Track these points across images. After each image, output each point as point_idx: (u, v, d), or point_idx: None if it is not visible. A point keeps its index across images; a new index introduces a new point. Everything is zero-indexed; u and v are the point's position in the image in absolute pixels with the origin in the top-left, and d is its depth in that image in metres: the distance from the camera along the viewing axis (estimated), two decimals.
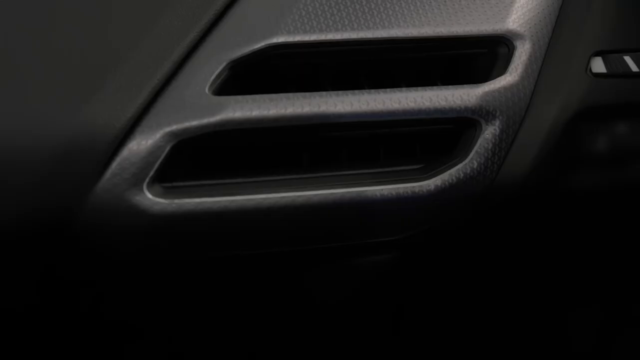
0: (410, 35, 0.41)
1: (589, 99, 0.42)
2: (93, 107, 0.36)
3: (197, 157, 0.38)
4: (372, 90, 0.39)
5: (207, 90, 0.37)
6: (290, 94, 0.38)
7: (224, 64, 0.38)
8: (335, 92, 0.39)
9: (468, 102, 0.40)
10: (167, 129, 0.36)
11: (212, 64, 0.38)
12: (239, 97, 0.38)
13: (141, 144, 0.36)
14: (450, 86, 0.40)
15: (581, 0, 0.44)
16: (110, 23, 0.38)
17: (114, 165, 0.35)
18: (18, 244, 0.36)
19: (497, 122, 0.40)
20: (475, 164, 0.40)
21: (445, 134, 0.41)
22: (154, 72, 0.37)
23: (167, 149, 0.36)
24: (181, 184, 0.37)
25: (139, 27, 0.38)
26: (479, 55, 0.42)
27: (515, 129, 0.41)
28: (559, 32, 0.43)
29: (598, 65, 0.43)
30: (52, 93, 0.36)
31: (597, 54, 0.43)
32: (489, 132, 0.40)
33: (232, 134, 0.37)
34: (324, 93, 0.39)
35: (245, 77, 0.40)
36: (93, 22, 0.38)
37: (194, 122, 0.36)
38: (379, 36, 0.40)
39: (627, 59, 0.43)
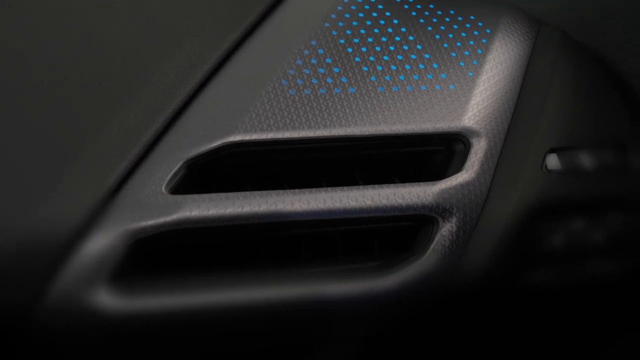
0: (367, 133, 0.45)
1: (545, 195, 0.46)
2: (47, 206, 0.39)
3: (155, 255, 0.42)
4: (329, 188, 0.43)
5: (163, 189, 0.41)
6: (247, 193, 0.42)
7: (181, 162, 0.42)
8: (292, 190, 0.43)
9: (425, 200, 0.44)
10: (123, 229, 0.40)
11: (168, 162, 0.42)
12: (196, 196, 0.41)
13: (97, 244, 0.39)
14: (407, 184, 0.44)
15: (536, 97, 0.49)
16: (65, 121, 0.42)
17: (69, 265, 0.39)
18: None
19: (454, 219, 0.44)
20: (433, 261, 0.44)
21: (403, 231, 0.45)
22: (110, 170, 0.41)
23: (124, 248, 0.39)
24: (139, 283, 0.40)
25: (94, 126, 0.42)
26: (435, 152, 0.47)
27: (472, 226, 0.45)
28: (514, 129, 0.47)
29: (553, 162, 0.47)
30: (4, 192, 0.39)
31: (552, 150, 0.47)
32: (446, 229, 0.44)
33: (188, 232, 0.41)
34: (280, 191, 0.43)
35: (203, 174, 0.43)
36: (47, 120, 0.42)
37: (150, 222, 0.40)
38: (336, 134, 0.45)
39: (582, 155, 0.48)
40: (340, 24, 0.50)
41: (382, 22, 0.51)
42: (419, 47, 0.50)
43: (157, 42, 0.47)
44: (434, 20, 0.52)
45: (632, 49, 0.52)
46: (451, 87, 0.48)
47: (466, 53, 0.50)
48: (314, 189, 0.43)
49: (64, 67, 0.45)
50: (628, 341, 0.54)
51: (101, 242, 0.39)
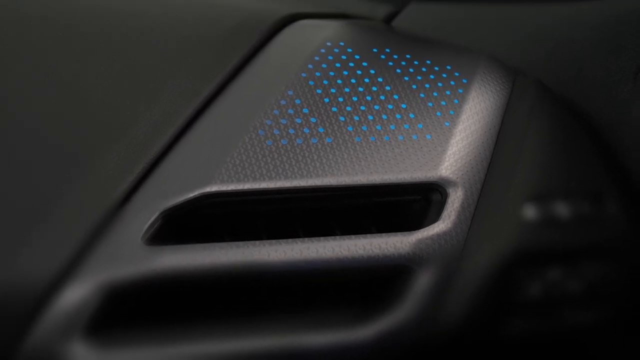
0: (344, 183, 0.47)
1: (522, 245, 0.47)
2: (21, 257, 0.40)
3: (133, 305, 0.43)
4: (306, 239, 0.45)
5: (140, 240, 0.42)
6: (224, 244, 0.43)
7: (157, 213, 0.43)
8: (269, 241, 0.44)
9: (402, 250, 0.45)
10: (99, 280, 0.40)
11: (145, 213, 0.43)
12: (172, 247, 0.42)
13: (72, 296, 0.40)
14: (384, 234, 0.46)
15: (512, 147, 0.51)
16: (40, 171, 0.43)
17: (44, 318, 0.39)
18: None
19: (431, 269, 0.46)
20: (410, 312, 0.45)
21: (380, 281, 0.46)
22: (86, 221, 0.42)
23: (99, 300, 0.40)
24: (116, 335, 0.41)
25: (70, 175, 0.43)
26: (412, 202, 0.49)
27: (449, 276, 0.46)
28: (491, 179, 0.49)
29: (530, 212, 0.48)
30: None
31: (528, 200, 0.49)
32: (423, 280, 0.45)
33: (165, 284, 0.42)
34: (257, 242, 0.44)
35: (180, 224, 0.45)
36: (23, 168, 0.43)
37: (126, 273, 0.41)
38: (313, 184, 0.46)
39: (558, 205, 0.49)
40: (317, 74, 0.52)
41: (359, 72, 0.53)
42: (395, 97, 0.52)
43: (134, 93, 0.49)
44: (411, 70, 0.54)
45: (606, 100, 0.54)
46: (428, 137, 0.50)
47: (443, 103, 0.52)
48: (290, 240, 0.44)
49: (35, 118, 0.46)
50: None
51: (76, 294, 0.40)
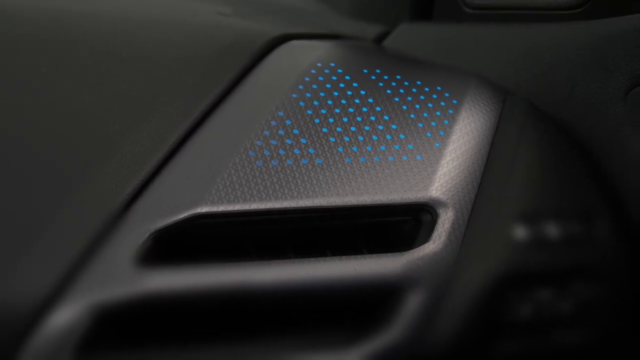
0: (334, 204, 0.47)
1: (513, 265, 0.48)
2: (11, 278, 0.40)
3: (125, 325, 0.43)
4: (296, 260, 0.45)
5: (130, 261, 0.43)
6: (214, 265, 0.44)
7: (147, 234, 0.44)
8: (259, 262, 0.45)
9: (392, 271, 0.46)
10: (89, 301, 0.41)
11: (135, 234, 0.44)
12: (162, 268, 0.43)
13: (62, 317, 0.40)
14: (374, 255, 0.46)
15: (502, 167, 0.51)
16: (30, 192, 0.44)
17: (35, 339, 0.40)
18: None
19: (422, 290, 0.46)
20: (401, 333, 0.45)
21: (371, 302, 0.47)
22: (76, 242, 0.42)
23: (89, 321, 0.41)
24: (107, 357, 0.42)
25: (61, 196, 0.44)
26: (403, 223, 0.49)
27: (440, 297, 0.46)
28: (481, 199, 0.50)
29: (521, 232, 0.49)
30: None
31: (519, 220, 0.49)
32: (414, 301, 0.46)
33: (155, 305, 0.42)
34: (247, 263, 0.44)
35: (171, 245, 0.45)
36: (14, 188, 0.44)
37: (117, 295, 0.41)
38: (303, 205, 0.47)
39: (549, 225, 0.50)
40: (308, 94, 0.53)
41: (349, 92, 0.54)
42: (386, 117, 0.52)
43: (126, 113, 0.49)
44: (401, 91, 0.55)
45: (596, 119, 0.55)
46: (418, 157, 0.50)
47: (433, 124, 0.53)
48: (281, 261, 0.45)
49: (27, 136, 0.47)
50: None
51: (67, 315, 0.40)
